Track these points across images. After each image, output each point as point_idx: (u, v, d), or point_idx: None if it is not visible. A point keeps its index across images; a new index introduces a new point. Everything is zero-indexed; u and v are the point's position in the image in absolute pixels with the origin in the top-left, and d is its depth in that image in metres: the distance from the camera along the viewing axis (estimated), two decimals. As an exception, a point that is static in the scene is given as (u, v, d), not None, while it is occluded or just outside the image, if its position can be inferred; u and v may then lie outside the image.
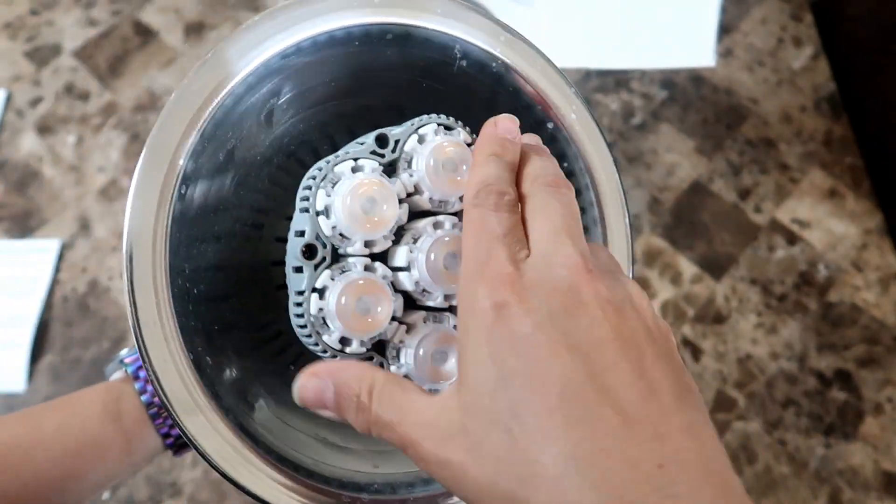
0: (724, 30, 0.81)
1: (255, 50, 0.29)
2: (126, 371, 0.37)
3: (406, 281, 0.26)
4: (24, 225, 0.68)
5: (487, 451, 0.19)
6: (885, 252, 0.69)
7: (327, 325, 0.26)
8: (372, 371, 0.23)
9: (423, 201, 0.27)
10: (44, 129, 0.73)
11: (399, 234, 0.27)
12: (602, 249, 0.25)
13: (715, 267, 0.68)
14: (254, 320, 0.33)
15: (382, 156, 0.27)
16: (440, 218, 0.27)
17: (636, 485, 0.17)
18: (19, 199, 0.70)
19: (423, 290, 0.26)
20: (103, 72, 0.76)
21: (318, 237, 0.26)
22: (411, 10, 0.30)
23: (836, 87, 0.77)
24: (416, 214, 0.28)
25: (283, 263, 0.27)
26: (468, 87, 0.32)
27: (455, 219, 0.27)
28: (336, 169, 0.27)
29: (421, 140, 0.27)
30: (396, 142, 0.27)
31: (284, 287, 0.27)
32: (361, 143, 0.27)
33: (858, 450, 0.61)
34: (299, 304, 0.26)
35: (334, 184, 0.26)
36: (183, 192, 0.27)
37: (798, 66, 0.79)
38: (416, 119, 0.28)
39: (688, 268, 0.68)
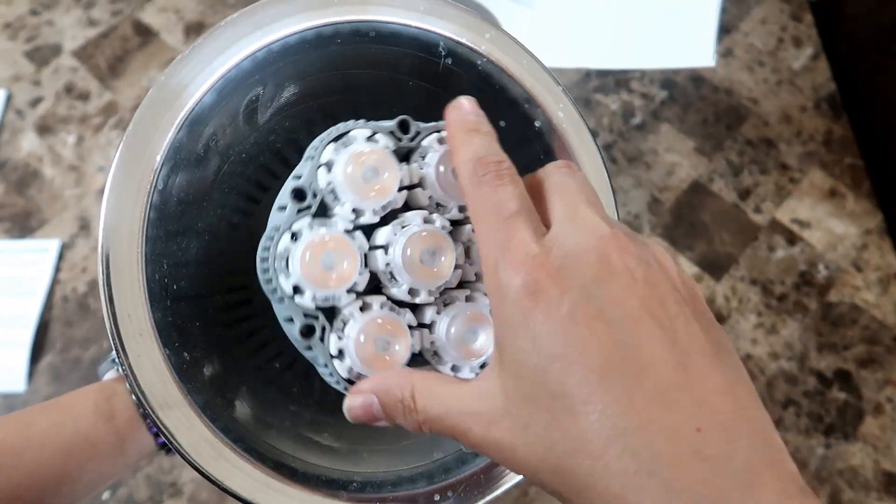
0: (724, 30, 0.81)
1: (234, 47, 0.29)
2: (118, 370, 0.37)
3: (380, 260, 0.26)
4: (24, 225, 0.68)
5: (534, 432, 0.20)
6: (885, 252, 0.69)
7: (287, 268, 0.26)
8: (409, 374, 0.24)
9: (422, 196, 0.27)
10: (44, 129, 0.73)
11: (388, 220, 0.27)
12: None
13: (715, 267, 0.68)
14: (235, 317, 0.33)
15: (400, 140, 0.27)
16: (434, 216, 0.27)
17: (675, 449, 0.18)
18: (19, 199, 0.70)
19: (392, 276, 0.26)
20: (103, 72, 0.76)
21: (311, 186, 0.26)
22: (393, 7, 0.30)
23: (836, 87, 0.77)
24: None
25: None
26: (455, 86, 0.32)
27: (447, 221, 0.27)
28: (352, 133, 0.27)
29: (441, 141, 0.28)
30: (417, 132, 0.28)
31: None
32: (386, 122, 0.28)
33: (858, 450, 0.61)
34: (270, 239, 0.26)
35: (346, 145, 0.26)
36: (161, 188, 0.27)
37: (798, 66, 0.79)
38: (443, 121, 0.28)
39: (688, 268, 0.68)
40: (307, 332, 0.26)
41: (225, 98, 0.29)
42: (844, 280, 0.68)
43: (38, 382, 0.61)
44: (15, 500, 0.31)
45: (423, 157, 0.27)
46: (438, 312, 0.27)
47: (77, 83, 0.76)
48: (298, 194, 0.26)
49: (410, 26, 0.30)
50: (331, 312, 0.27)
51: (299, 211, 0.26)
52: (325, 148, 0.26)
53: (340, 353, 0.26)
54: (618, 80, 0.77)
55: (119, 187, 0.27)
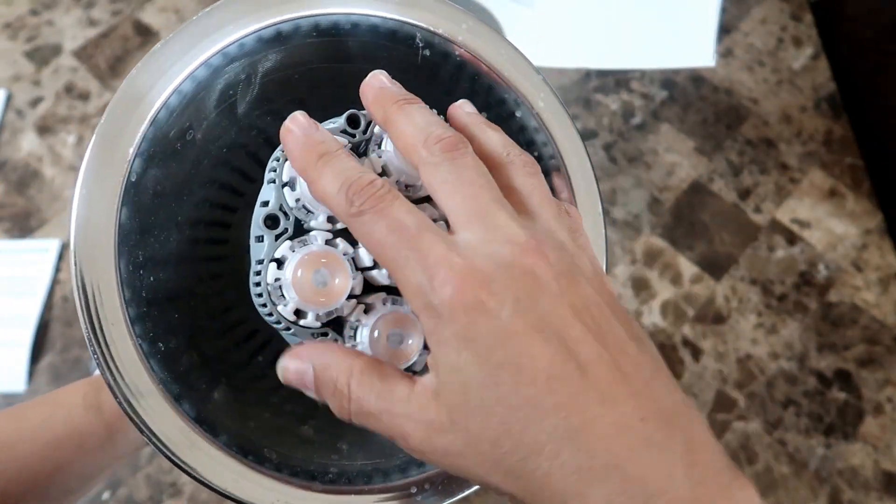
0: (724, 30, 0.81)
1: (206, 41, 0.28)
2: None
3: (366, 258, 0.26)
4: (24, 225, 0.68)
5: (485, 440, 0.20)
6: (885, 252, 0.69)
7: (283, 296, 0.26)
8: (352, 357, 0.23)
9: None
10: (44, 129, 0.73)
11: None
12: (546, 206, 0.24)
13: (715, 267, 0.68)
14: (216, 309, 0.33)
15: (353, 136, 0.27)
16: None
17: (625, 442, 0.19)
18: (19, 199, 0.70)
19: (376, 265, 0.26)
20: (103, 72, 0.76)
21: (281, 208, 0.26)
22: None
23: (836, 87, 0.77)
24: None
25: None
26: (434, 78, 0.31)
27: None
28: None
29: None
30: (368, 123, 0.27)
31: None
32: (333, 123, 0.28)
33: (858, 450, 0.61)
34: (258, 273, 0.26)
35: None
36: (135, 179, 0.27)
37: (798, 66, 0.79)
38: None
39: (688, 268, 0.68)
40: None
41: (201, 90, 0.29)
42: (844, 280, 0.68)
43: (38, 382, 0.61)
44: (8, 493, 0.32)
45: (380, 145, 0.27)
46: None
47: (77, 83, 0.76)
48: (272, 221, 0.26)
49: (385, 17, 0.30)
50: (337, 323, 0.27)
51: (278, 237, 0.26)
52: (283, 165, 0.26)
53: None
54: (618, 80, 0.77)
55: (92, 177, 0.27)
